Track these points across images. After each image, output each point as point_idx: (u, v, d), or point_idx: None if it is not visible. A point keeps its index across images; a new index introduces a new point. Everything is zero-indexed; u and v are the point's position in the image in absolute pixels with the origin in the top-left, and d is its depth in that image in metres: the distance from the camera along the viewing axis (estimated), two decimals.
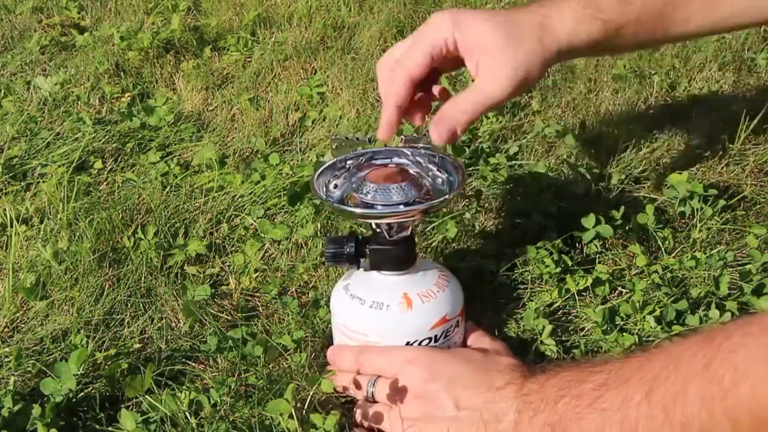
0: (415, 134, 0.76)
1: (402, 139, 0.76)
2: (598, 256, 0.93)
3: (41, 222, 1.03)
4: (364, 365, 0.74)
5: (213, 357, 0.81)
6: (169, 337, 0.84)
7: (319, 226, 0.99)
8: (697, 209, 0.98)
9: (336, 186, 0.75)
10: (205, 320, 0.85)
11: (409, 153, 0.76)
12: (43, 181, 1.12)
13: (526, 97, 1.29)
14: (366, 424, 0.73)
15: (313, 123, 1.26)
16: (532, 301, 0.88)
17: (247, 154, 1.19)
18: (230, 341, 0.81)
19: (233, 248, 0.99)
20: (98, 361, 0.80)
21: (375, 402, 0.73)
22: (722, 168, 1.10)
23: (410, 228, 0.74)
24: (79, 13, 1.69)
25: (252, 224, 1.02)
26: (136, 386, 0.74)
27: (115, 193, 1.10)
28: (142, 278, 0.92)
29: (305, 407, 0.72)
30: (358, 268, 0.75)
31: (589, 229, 0.94)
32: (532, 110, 1.25)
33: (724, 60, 1.35)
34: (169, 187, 1.09)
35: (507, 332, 0.85)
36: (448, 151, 1.11)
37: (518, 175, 1.08)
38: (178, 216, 1.03)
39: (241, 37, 1.53)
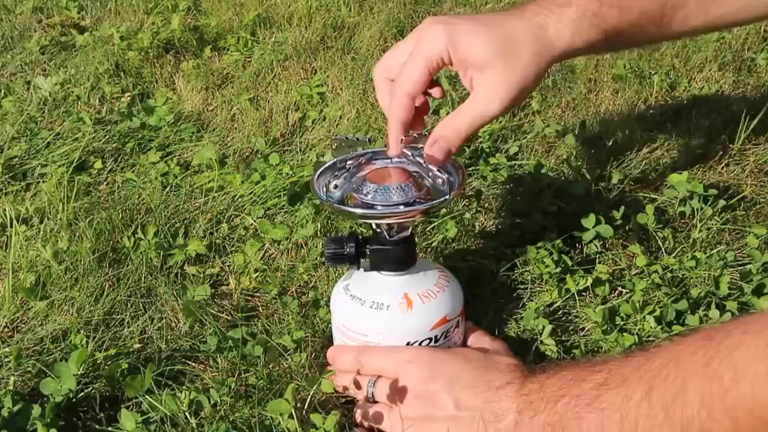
0: (415, 135, 0.76)
1: (402, 140, 0.76)
2: (598, 256, 0.93)
3: (41, 222, 1.03)
4: (365, 365, 0.74)
5: (213, 357, 0.81)
6: (169, 337, 0.84)
7: (319, 226, 0.99)
8: (697, 209, 0.98)
9: (336, 186, 0.75)
10: (205, 320, 0.85)
11: (409, 153, 0.76)
12: (43, 181, 1.12)
13: None
14: (366, 424, 0.73)
15: (313, 123, 1.26)
16: (532, 301, 0.88)
17: (247, 154, 1.19)
18: (230, 341, 0.81)
19: (233, 248, 0.99)
20: (98, 361, 0.80)
21: (375, 402, 0.73)
22: (722, 168, 1.10)
23: (410, 228, 0.74)
24: (79, 13, 1.69)
25: (252, 224, 1.02)
26: (136, 386, 0.74)
27: (115, 193, 1.11)
28: (142, 278, 0.92)
29: (305, 407, 0.72)
30: (358, 269, 0.75)
31: (589, 229, 0.94)
32: (532, 110, 1.25)
33: (724, 60, 1.35)
34: (169, 187, 1.10)
35: (507, 332, 0.85)
36: None
37: (518, 175, 1.08)
38: (178, 216, 1.03)
39: (241, 37, 1.53)
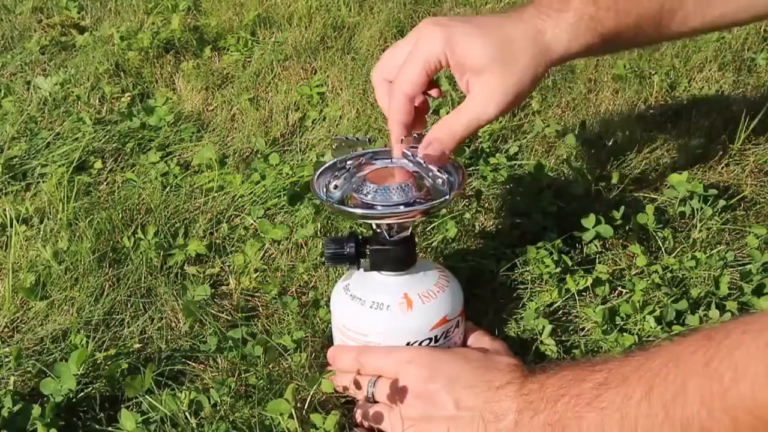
0: (415, 135, 0.76)
1: (402, 140, 0.76)
2: (598, 256, 0.93)
3: (41, 222, 1.03)
4: (365, 365, 0.74)
5: (213, 357, 0.81)
6: (169, 337, 0.84)
7: (319, 226, 0.99)
8: (697, 209, 0.98)
9: (336, 187, 0.75)
10: (205, 320, 0.85)
11: (409, 153, 0.76)
12: (43, 181, 1.12)
13: None
14: (366, 424, 0.73)
15: (313, 123, 1.26)
16: (532, 301, 0.88)
17: (247, 154, 1.19)
18: (230, 341, 0.81)
19: (233, 248, 0.99)
20: (98, 361, 0.80)
21: (375, 402, 0.73)
22: (722, 168, 1.10)
23: (410, 228, 0.74)
24: (79, 13, 1.69)
25: (252, 224, 1.02)
26: (136, 386, 0.74)
27: (115, 193, 1.11)
28: (142, 278, 0.92)
29: (305, 407, 0.72)
30: (359, 269, 0.75)
31: (589, 229, 0.94)
32: (532, 110, 1.25)
33: (724, 60, 1.35)
34: (169, 187, 1.10)
35: (507, 332, 0.85)
36: None
37: (518, 175, 1.08)
38: (178, 216, 1.03)
39: (241, 37, 1.53)
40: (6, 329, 0.87)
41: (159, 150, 1.20)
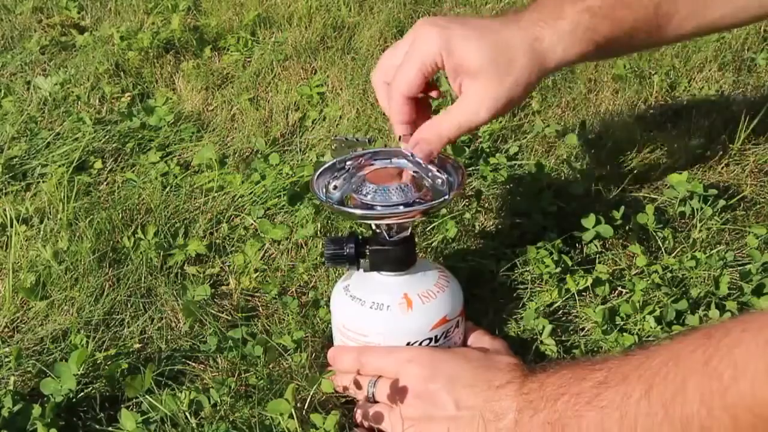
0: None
1: (401, 138, 0.76)
2: (598, 256, 0.93)
3: (41, 222, 1.03)
4: (365, 366, 0.74)
5: (213, 357, 0.81)
6: (169, 337, 0.85)
7: (319, 226, 0.99)
8: (697, 209, 0.98)
9: (335, 187, 0.75)
10: (205, 320, 0.85)
11: (408, 153, 0.76)
12: (43, 181, 1.12)
13: None
14: (366, 424, 0.73)
15: (313, 123, 1.26)
16: (532, 301, 0.88)
17: (247, 154, 1.19)
18: (230, 341, 0.81)
19: (233, 248, 0.99)
20: (98, 361, 0.80)
21: (375, 402, 0.73)
22: (722, 168, 1.10)
23: (410, 228, 0.74)
24: (79, 13, 1.69)
25: (252, 224, 1.02)
26: (136, 386, 0.74)
27: (115, 193, 1.11)
28: (142, 278, 0.92)
29: (305, 407, 0.72)
30: (358, 269, 0.75)
31: (589, 229, 0.94)
32: (532, 110, 1.25)
33: (724, 60, 1.35)
34: (169, 187, 1.10)
35: (507, 332, 0.85)
36: (448, 151, 1.11)
37: (518, 175, 1.08)
38: (178, 216, 1.03)
39: (241, 37, 1.53)
40: (6, 329, 0.87)
41: (159, 150, 1.20)
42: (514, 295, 0.90)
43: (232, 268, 0.95)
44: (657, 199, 1.03)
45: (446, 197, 0.72)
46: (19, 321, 0.87)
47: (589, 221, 0.94)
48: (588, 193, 1.03)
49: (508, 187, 1.05)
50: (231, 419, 0.72)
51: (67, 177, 1.10)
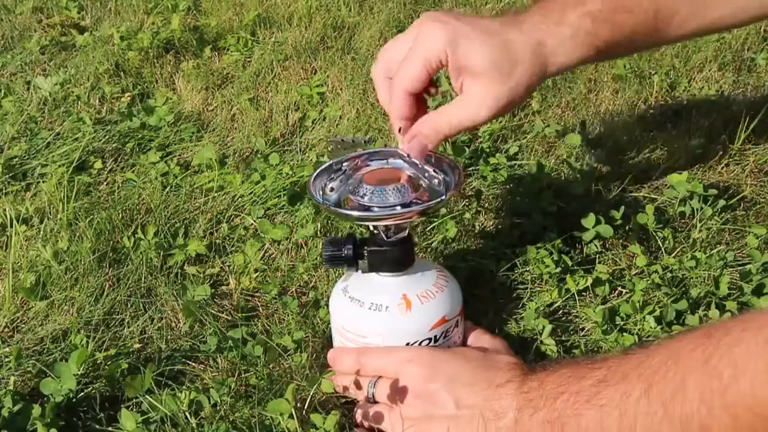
0: None
1: (400, 129, 0.76)
2: (598, 256, 0.93)
3: (41, 222, 1.03)
4: (365, 367, 0.73)
5: (213, 357, 0.81)
6: (169, 337, 0.85)
7: (319, 226, 0.99)
8: (697, 209, 0.98)
9: (332, 189, 0.74)
10: (205, 320, 0.85)
11: (405, 154, 0.76)
12: (43, 181, 1.12)
13: None
14: (366, 424, 0.73)
15: (313, 123, 1.26)
16: (532, 301, 0.88)
17: (247, 154, 1.19)
18: (230, 341, 0.81)
19: (233, 248, 0.99)
20: (98, 361, 0.80)
21: (375, 402, 0.73)
22: (722, 168, 1.10)
23: (408, 229, 0.74)
24: (79, 13, 1.69)
25: (252, 224, 1.02)
26: (136, 386, 0.74)
27: (115, 193, 1.11)
28: (142, 278, 0.92)
29: (305, 407, 0.72)
30: (357, 270, 0.75)
31: (589, 229, 0.94)
32: (532, 110, 1.25)
33: (724, 60, 1.35)
34: (169, 187, 1.10)
35: (507, 332, 0.85)
36: (448, 150, 1.11)
37: (518, 175, 1.08)
38: (178, 216, 1.03)
39: (241, 37, 1.53)
40: (6, 329, 0.87)
41: (159, 150, 1.20)
42: (514, 295, 0.90)
43: (232, 268, 0.95)
44: (657, 199, 1.03)
45: (443, 198, 0.72)
46: (19, 321, 0.87)
47: (589, 221, 0.94)
48: (588, 193, 1.03)
49: (508, 187, 1.05)
50: (231, 419, 0.72)
51: (67, 177, 1.10)
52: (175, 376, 0.79)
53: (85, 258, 0.93)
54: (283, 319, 0.87)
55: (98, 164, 1.17)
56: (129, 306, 0.88)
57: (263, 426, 0.71)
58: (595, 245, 0.94)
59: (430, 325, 0.74)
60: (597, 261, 0.92)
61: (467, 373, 0.69)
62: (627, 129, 1.19)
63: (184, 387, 0.77)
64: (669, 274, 0.90)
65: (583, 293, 0.89)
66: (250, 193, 1.08)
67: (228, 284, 0.93)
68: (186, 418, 0.72)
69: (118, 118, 1.29)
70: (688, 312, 0.84)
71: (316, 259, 0.94)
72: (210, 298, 0.89)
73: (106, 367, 0.79)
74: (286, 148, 1.21)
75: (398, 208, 0.71)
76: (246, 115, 1.28)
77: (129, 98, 1.36)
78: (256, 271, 0.94)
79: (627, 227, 0.96)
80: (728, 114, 1.21)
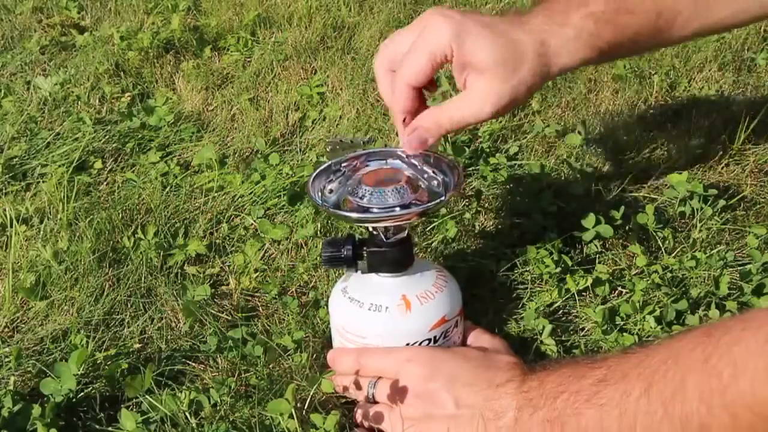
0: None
1: (404, 120, 0.75)
2: (598, 256, 0.93)
3: (41, 222, 1.03)
4: (365, 367, 0.73)
5: (213, 357, 0.81)
6: (169, 337, 0.85)
7: (319, 226, 0.99)
8: (697, 209, 0.98)
9: (331, 191, 0.74)
10: (205, 320, 0.85)
11: (403, 155, 0.76)
12: (43, 181, 1.12)
13: None
14: (366, 424, 0.73)
15: (313, 123, 1.26)
16: (532, 301, 0.88)
17: (247, 154, 1.19)
18: (230, 341, 0.81)
19: (233, 248, 0.99)
20: (98, 361, 0.80)
21: (376, 402, 0.73)
22: (722, 168, 1.10)
23: (407, 230, 0.74)
24: (79, 13, 1.69)
25: (252, 224, 1.02)
26: (136, 386, 0.74)
27: (115, 193, 1.11)
28: (142, 278, 0.92)
29: (305, 407, 0.73)
30: (356, 271, 0.75)
31: (589, 229, 0.94)
32: (532, 110, 1.25)
33: (724, 60, 1.35)
34: (169, 187, 1.10)
35: (507, 332, 0.85)
36: (448, 150, 1.11)
37: (518, 175, 1.08)
38: (178, 216, 1.03)
39: (241, 37, 1.53)
40: (6, 329, 0.87)
41: (159, 150, 1.20)
42: (514, 295, 0.90)
43: (232, 268, 0.95)
44: (657, 199, 1.03)
45: (443, 199, 0.72)
46: (19, 321, 0.87)
47: (589, 221, 0.94)
48: (588, 193, 1.03)
49: (508, 187, 1.05)
50: (231, 419, 0.72)
51: (67, 177, 1.10)
52: (175, 376, 0.79)
53: (85, 258, 0.93)
54: (283, 319, 0.87)
55: (98, 164, 1.17)
56: (129, 306, 0.88)
57: (263, 426, 0.71)
58: (595, 245, 0.94)
59: (430, 325, 0.73)
60: (597, 261, 0.92)
61: (467, 372, 0.69)
62: (627, 129, 1.19)
63: (184, 387, 0.77)
64: (669, 274, 0.90)
65: (583, 293, 0.89)
66: (250, 193, 1.08)
67: (228, 284, 0.93)
68: (186, 418, 0.72)
69: (118, 118, 1.29)
70: (688, 312, 0.84)
71: (316, 259, 0.94)
72: (210, 298, 0.89)
73: (106, 367, 0.79)
74: (286, 148, 1.21)
75: (397, 209, 0.71)
76: (246, 115, 1.28)
77: (129, 98, 1.36)
78: (256, 271, 0.94)
79: (627, 227, 0.96)
80: (728, 114, 1.21)
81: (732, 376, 0.51)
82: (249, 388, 0.76)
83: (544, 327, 0.83)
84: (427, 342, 0.74)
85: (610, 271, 0.90)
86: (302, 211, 1.03)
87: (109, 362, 0.80)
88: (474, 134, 1.18)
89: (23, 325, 0.87)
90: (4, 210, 1.03)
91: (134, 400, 0.75)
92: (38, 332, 0.85)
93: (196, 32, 1.55)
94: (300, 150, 1.19)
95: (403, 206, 0.71)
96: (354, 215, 0.72)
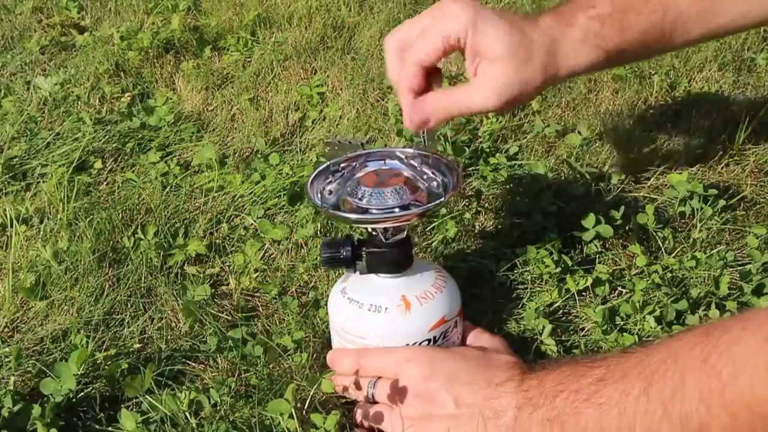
0: (415, 138, 0.76)
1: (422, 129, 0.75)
2: (598, 256, 0.93)
3: (41, 222, 1.03)
4: (365, 367, 0.73)
5: (213, 357, 0.81)
6: (169, 337, 0.85)
7: (318, 226, 0.99)
8: (697, 209, 0.98)
9: (330, 192, 0.74)
10: (205, 320, 0.85)
11: (402, 156, 0.76)
12: (43, 181, 1.12)
13: None
14: (366, 424, 0.73)
15: (313, 123, 1.26)
16: (532, 301, 0.88)
17: (247, 154, 1.19)
18: (230, 341, 0.81)
19: (233, 248, 0.99)
20: (98, 361, 0.80)
21: (375, 402, 0.73)
22: (722, 168, 1.10)
23: (406, 230, 0.74)
24: (79, 13, 1.69)
25: (252, 224, 1.02)
26: (136, 386, 0.74)
27: (115, 193, 1.11)
28: (142, 278, 0.92)
29: (305, 407, 0.73)
30: (355, 272, 0.75)
31: (589, 229, 0.94)
32: (532, 110, 1.25)
33: (724, 60, 1.35)
34: (169, 187, 1.10)
35: (507, 332, 0.85)
36: (448, 150, 1.11)
37: (518, 175, 1.08)
38: (178, 216, 1.03)
39: (241, 37, 1.53)
40: (6, 329, 0.87)
41: (159, 150, 1.20)
42: (514, 295, 0.90)
43: (232, 268, 0.95)
44: (657, 199, 1.03)
45: (442, 199, 0.72)
46: (19, 321, 0.87)
47: (589, 221, 0.94)
48: (588, 193, 1.03)
49: (508, 187, 1.05)
50: (231, 419, 0.72)
51: (67, 177, 1.10)
52: (175, 376, 0.79)
53: (85, 258, 0.93)
54: (283, 319, 0.87)
55: (98, 164, 1.17)
56: (129, 306, 0.88)
57: (263, 426, 0.71)
58: (595, 245, 0.94)
59: (429, 325, 0.73)
60: (597, 261, 0.92)
61: (466, 372, 0.69)
62: (627, 129, 1.19)
63: (184, 387, 0.77)
64: (669, 274, 0.90)
65: (583, 293, 0.89)
66: (250, 193, 1.08)
67: (228, 284, 0.93)
68: (186, 418, 0.72)
69: (118, 118, 1.29)
70: (688, 312, 0.84)
71: (316, 259, 0.94)
72: (210, 298, 0.89)
73: (106, 367, 0.79)
74: (286, 148, 1.21)
75: (396, 210, 0.71)
76: (246, 115, 1.28)
77: (129, 98, 1.36)
78: (256, 271, 0.94)
79: (627, 227, 0.96)
80: (728, 114, 1.21)
81: (731, 375, 0.51)
82: (249, 388, 0.76)
83: (544, 327, 0.83)
84: (426, 342, 0.74)
85: (610, 271, 0.90)
86: (302, 211, 1.03)
87: (109, 362, 0.80)
88: (474, 134, 1.18)
89: (23, 325, 0.87)
90: (4, 210, 1.03)
91: (134, 400, 0.75)
92: (38, 332, 0.85)
93: (196, 32, 1.55)
94: (300, 150, 1.19)
95: (402, 207, 0.71)
96: (353, 216, 0.72)
